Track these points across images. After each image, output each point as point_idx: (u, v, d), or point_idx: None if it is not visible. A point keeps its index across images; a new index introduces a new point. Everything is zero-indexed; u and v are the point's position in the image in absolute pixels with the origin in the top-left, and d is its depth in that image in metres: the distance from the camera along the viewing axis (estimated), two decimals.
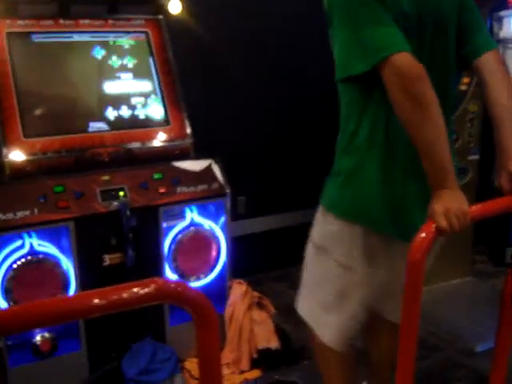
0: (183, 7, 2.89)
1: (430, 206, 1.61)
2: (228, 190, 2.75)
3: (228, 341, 2.78)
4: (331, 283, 1.95)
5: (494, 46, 1.82)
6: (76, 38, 2.68)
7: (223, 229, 2.78)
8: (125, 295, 1.09)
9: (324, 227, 1.96)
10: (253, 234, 3.59)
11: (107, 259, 2.53)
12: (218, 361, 1.22)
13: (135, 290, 1.10)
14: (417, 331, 1.65)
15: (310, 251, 2.02)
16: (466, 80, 3.37)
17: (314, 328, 2.03)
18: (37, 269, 2.38)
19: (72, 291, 2.44)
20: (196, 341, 1.17)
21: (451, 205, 1.58)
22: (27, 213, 2.35)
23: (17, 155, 2.41)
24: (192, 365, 2.70)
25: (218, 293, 2.80)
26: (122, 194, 2.53)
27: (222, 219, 2.77)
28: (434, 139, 1.59)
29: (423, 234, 1.58)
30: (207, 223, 2.73)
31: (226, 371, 2.72)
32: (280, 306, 3.02)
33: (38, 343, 2.45)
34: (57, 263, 2.41)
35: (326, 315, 1.98)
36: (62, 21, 2.66)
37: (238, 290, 2.85)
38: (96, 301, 1.10)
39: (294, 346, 2.85)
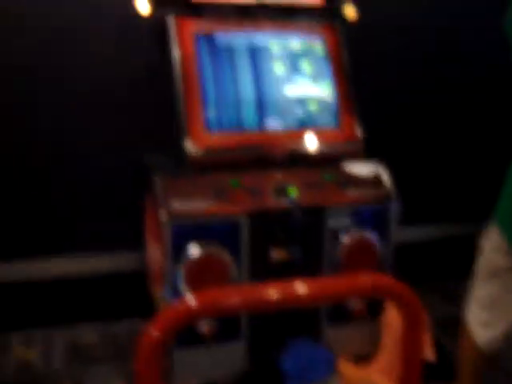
0: (358, 15, 2.92)
1: None
2: (395, 196, 2.74)
3: (383, 346, 2.78)
4: (484, 284, 1.94)
5: None
6: (256, 40, 2.78)
7: (387, 234, 2.78)
8: (342, 286, 1.13)
9: (496, 243, 1.92)
10: (410, 243, 3.56)
11: (274, 254, 2.61)
12: (420, 363, 1.24)
13: (351, 281, 1.14)
14: None
15: (482, 264, 2.00)
16: None
17: (472, 326, 2.02)
18: (209, 259, 2.49)
19: (239, 283, 2.55)
20: (402, 338, 1.19)
21: None
22: (205, 204, 2.48)
23: (198, 148, 2.55)
24: (346, 367, 2.72)
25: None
26: (293, 192, 2.60)
27: (387, 224, 2.77)
28: None
29: None
30: (372, 227, 2.75)
31: (377, 377, 2.72)
32: (433, 319, 2.97)
33: (203, 328, 2.58)
34: (227, 254, 2.52)
35: (483, 317, 2.02)
36: (243, 22, 2.79)
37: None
38: (308, 290, 1.15)
39: (451, 360, 2.80)
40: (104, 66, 3.03)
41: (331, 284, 1.17)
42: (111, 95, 3.05)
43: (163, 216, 2.41)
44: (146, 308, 2.76)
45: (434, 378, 2.70)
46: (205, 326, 2.54)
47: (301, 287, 1.14)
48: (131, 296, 3.00)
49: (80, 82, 3.02)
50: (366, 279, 1.18)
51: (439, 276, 3.56)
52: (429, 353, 2.75)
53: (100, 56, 3.01)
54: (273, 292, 1.15)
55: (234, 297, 1.14)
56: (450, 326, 2.95)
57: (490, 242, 1.94)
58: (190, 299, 1.10)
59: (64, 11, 2.92)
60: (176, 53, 2.60)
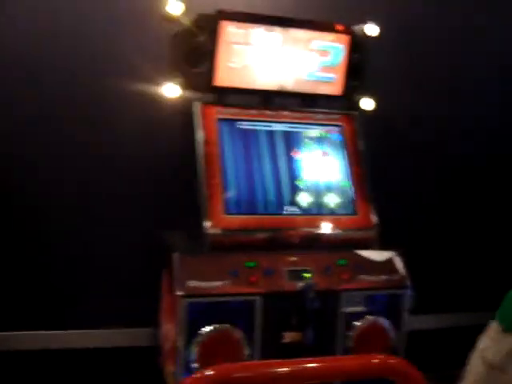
0: (376, 105, 3.06)
1: None
2: (409, 283, 2.78)
3: None
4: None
5: None
6: (275, 127, 2.91)
7: (399, 321, 2.79)
8: (353, 365, 1.17)
9: (501, 345, 1.91)
10: (422, 330, 3.55)
11: (287, 337, 2.63)
12: None
13: (362, 360, 1.18)
14: None
15: (478, 365, 1.96)
16: None
17: None
18: (221, 337, 2.52)
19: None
20: None
21: None
22: (220, 283, 2.54)
23: (217, 229, 2.63)
24: None
25: None
26: (307, 275, 2.65)
27: (400, 311, 2.79)
28: None
29: None
30: (384, 313, 2.77)
31: None
32: None
33: None
34: (240, 334, 2.54)
35: None
36: (265, 111, 2.92)
37: None
38: (320, 366, 1.19)
39: None
40: (129, 146, 3.16)
41: (343, 362, 1.21)
42: (133, 174, 3.17)
43: (179, 293, 2.47)
44: None
45: None
46: None
47: (313, 364, 1.19)
48: (143, 372, 3.01)
49: (105, 158, 3.14)
50: (377, 359, 1.22)
51: (449, 365, 3.52)
52: None
53: (124, 135, 3.14)
54: (286, 367, 1.19)
55: (248, 370, 1.18)
56: None
57: (487, 337, 1.93)
58: (208, 370, 1.15)
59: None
60: (200, 136, 2.73)
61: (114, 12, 3.07)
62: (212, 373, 1.16)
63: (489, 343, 1.90)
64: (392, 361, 1.23)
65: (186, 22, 2.68)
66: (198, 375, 1.17)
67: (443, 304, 3.75)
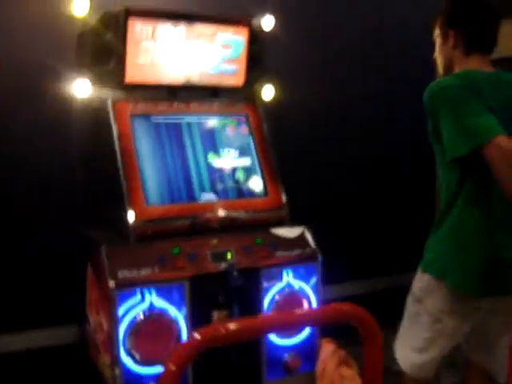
0: (275, 94, 3.27)
1: None
2: (320, 255, 3.02)
3: None
4: (423, 330, 2.22)
5: None
6: (187, 119, 3.05)
7: (315, 291, 3.03)
8: (314, 314, 1.38)
9: (420, 281, 2.24)
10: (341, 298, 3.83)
11: (215, 315, 2.79)
12: (380, 372, 1.49)
13: (320, 311, 1.38)
14: None
15: (408, 302, 2.30)
16: None
17: (404, 367, 2.28)
18: (155, 323, 2.65)
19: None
20: (364, 355, 1.44)
21: None
22: (149, 271, 2.65)
23: (140, 220, 2.73)
24: None
25: (309, 351, 3.03)
26: (229, 256, 2.82)
27: (314, 282, 3.03)
28: None
29: None
30: (301, 285, 3.00)
31: None
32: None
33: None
34: (172, 318, 2.68)
35: (417, 356, 2.25)
36: (175, 104, 3.05)
37: (328, 348, 3.06)
38: (292, 318, 1.39)
39: None
40: (42, 144, 3.14)
41: (306, 314, 1.41)
42: (49, 172, 3.15)
43: (111, 284, 2.55)
44: (91, 379, 2.84)
45: None
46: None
47: (284, 316, 1.37)
48: (74, 369, 3.04)
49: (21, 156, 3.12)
50: (331, 308, 1.43)
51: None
52: None
53: (38, 133, 3.12)
54: (263, 321, 1.37)
55: (229, 327, 1.34)
56: None
57: (429, 292, 2.23)
58: (195, 335, 1.30)
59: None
60: (114, 133, 2.80)
61: (23, 14, 3.03)
62: (199, 336, 1.31)
63: (414, 283, 2.24)
64: (346, 307, 1.44)
65: (93, 20, 2.74)
66: (187, 341, 1.31)
67: (355, 272, 4.06)
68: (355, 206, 4.12)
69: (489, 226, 2.05)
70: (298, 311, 1.44)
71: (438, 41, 2.25)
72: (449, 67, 2.22)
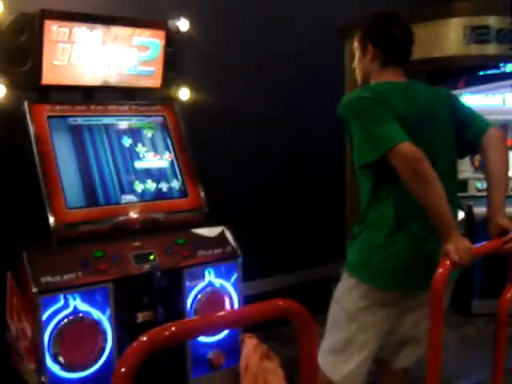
0: (191, 95, 3.32)
1: (443, 247, 2.03)
2: (240, 253, 3.10)
3: None
4: (341, 329, 2.33)
5: (489, 127, 2.32)
6: (105, 120, 3.04)
7: (236, 288, 3.11)
8: (256, 311, 1.46)
9: (342, 281, 2.35)
10: (261, 294, 3.93)
11: (140, 317, 2.80)
12: (315, 364, 1.58)
13: (260, 307, 1.47)
14: (441, 355, 2.03)
15: (338, 312, 2.39)
16: None
17: (326, 371, 2.32)
18: (79, 327, 2.63)
19: (109, 346, 2.70)
20: (300, 346, 1.53)
21: (459, 244, 2.02)
22: (72, 276, 2.63)
23: (61, 224, 2.70)
24: None
25: (232, 346, 3.10)
26: (152, 257, 2.84)
27: (236, 279, 3.10)
28: (437, 201, 2.03)
29: (441, 270, 2.01)
30: (223, 283, 3.06)
31: None
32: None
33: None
34: (97, 321, 2.67)
35: (337, 359, 2.32)
36: (93, 106, 3.03)
37: (250, 343, 3.15)
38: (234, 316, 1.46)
39: None
40: None
41: (247, 311, 1.49)
42: None
43: (34, 290, 2.51)
44: None
45: None
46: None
47: (226, 315, 1.44)
48: None
49: None
50: (268, 304, 1.52)
51: (276, 322, 3.95)
52: None
53: None
54: (206, 320, 1.44)
55: (174, 328, 1.39)
56: (296, 367, 3.32)
57: (347, 290, 2.34)
58: (142, 337, 1.34)
59: None
60: (32, 135, 2.75)
61: None
62: (145, 339, 1.35)
63: (344, 293, 2.32)
64: (283, 303, 1.53)
65: (8, 21, 2.68)
66: (136, 344, 1.34)
67: (274, 268, 4.17)
68: (272, 204, 4.25)
69: (405, 222, 2.18)
70: (238, 309, 1.50)
71: (357, 53, 2.38)
72: (366, 77, 2.36)
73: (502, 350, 2.24)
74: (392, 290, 2.24)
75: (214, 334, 3.01)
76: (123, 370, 1.30)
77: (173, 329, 1.39)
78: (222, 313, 1.45)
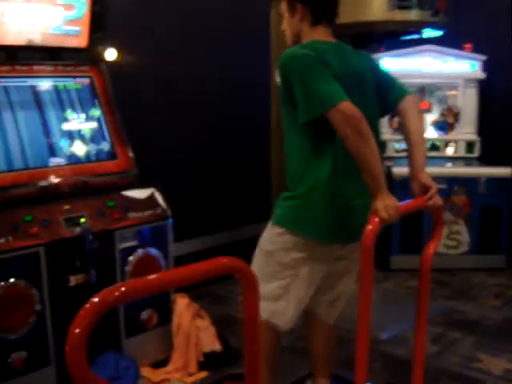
0: (119, 55, 3.27)
1: (372, 204, 2.15)
2: (170, 214, 3.13)
3: (176, 348, 3.13)
4: (277, 279, 2.43)
5: (407, 92, 2.45)
6: (30, 82, 2.95)
7: (167, 249, 3.15)
8: (203, 268, 1.52)
9: (272, 236, 2.43)
10: (190, 254, 3.98)
11: (73, 280, 2.80)
12: (257, 317, 1.67)
13: (206, 265, 1.53)
14: (370, 309, 2.15)
15: (258, 256, 2.49)
16: None
17: (267, 318, 2.44)
18: (11, 293, 2.61)
19: (42, 310, 2.69)
20: (243, 300, 1.61)
21: (388, 202, 2.14)
22: (2, 241, 2.59)
23: None
24: (148, 372, 3.03)
25: (164, 306, 3.16)
26: (82, 220, 2.83)
27: (167, 240, 3.14)
28: (373, 160, 2.14)
29: (370, 226, 2.13)
30: (154, 245, 3.09)
31: (176, 375, 3.07)
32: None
33: (13, 361, 2.64)
34: (29, 286, 2.65)
35: (275, 304, 2.44)
36: (17, 66, 2.94)
37: (182, 302, 3.22)
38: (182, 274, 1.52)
39: (232, 349, 3.26)
40: None
41: (197, 268, 1.55)
42: None
43: None
44: None
45: (222, 363, 3.16)
46: (14, 359, 2.64)
47: (175, 272, 1.49)
48: None
49: None
50: (215, 261, 1.58)
51: (207, 282, 4.05)
52: (216, 345, 3.19)
53: None
54: (157, 278, 1.49)
55: (124, 288, 1.42)
56: (226, 324, 3.45)
57: (283, 244, 2.42)
58: (93, 298, 1.37)
59: None
60: None
61: None
62: (97, 300, 1.38)
63: (263, 237, 2.42)
64: (228, 260, 1.60)
65: None
66: (88, 305, 1.37)
67: (202, 228, 4.22)
68: (200, 165, 4.29)
69: (339, 178, 2.28)
70: (185, 268, 1.54)
71: (285, 15, 2.42)
72: (297, 38, 2.40)
73: (424, 301, 2.40)
74: (326, 241, 2.36)
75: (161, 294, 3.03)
76: (77, 331, 1.33)
77: (123, 289, 1.43)
78: (169, 271, 1.48)
